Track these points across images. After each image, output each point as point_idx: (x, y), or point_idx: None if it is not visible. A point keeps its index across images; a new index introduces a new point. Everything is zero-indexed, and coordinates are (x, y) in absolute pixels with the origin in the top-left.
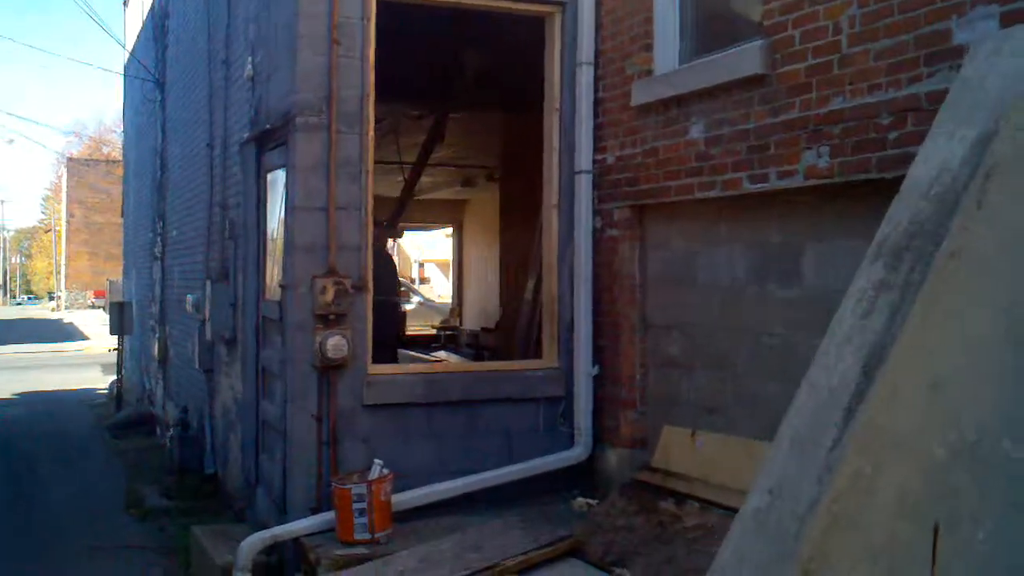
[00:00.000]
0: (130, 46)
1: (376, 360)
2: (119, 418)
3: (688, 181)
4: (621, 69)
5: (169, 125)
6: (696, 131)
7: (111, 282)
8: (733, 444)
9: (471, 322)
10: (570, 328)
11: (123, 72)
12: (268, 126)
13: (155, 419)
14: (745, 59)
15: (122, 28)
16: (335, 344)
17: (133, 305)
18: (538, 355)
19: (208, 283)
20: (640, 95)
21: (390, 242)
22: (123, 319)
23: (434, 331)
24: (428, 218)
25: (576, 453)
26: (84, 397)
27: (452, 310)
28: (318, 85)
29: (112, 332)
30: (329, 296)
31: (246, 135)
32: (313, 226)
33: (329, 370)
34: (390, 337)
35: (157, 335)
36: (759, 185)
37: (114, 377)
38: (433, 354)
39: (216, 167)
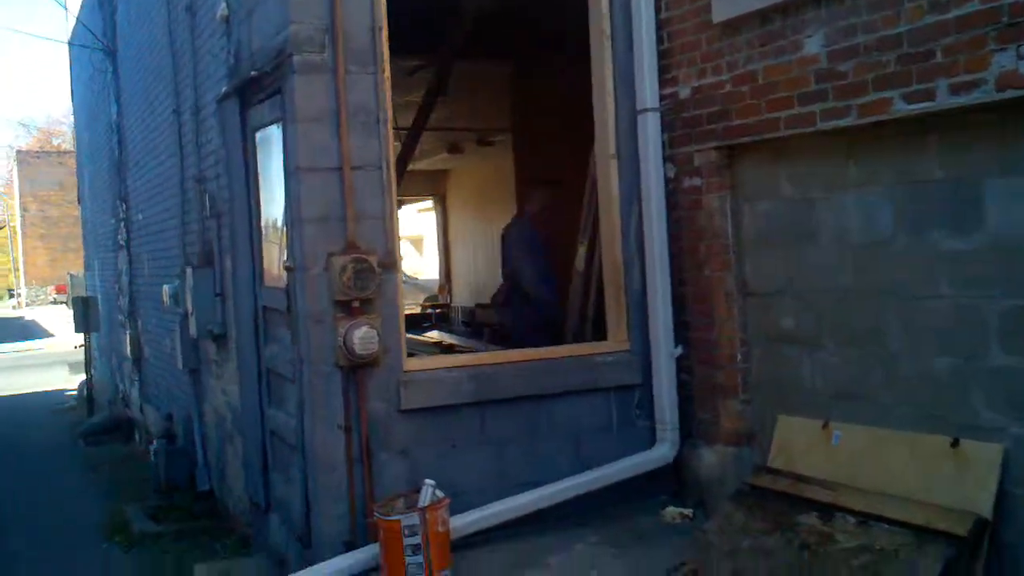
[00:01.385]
0: (74, 17)
1: None
2: (92, 424)
3: (805, 109)
4: None
5: (125, 96)
6: (814, 44)
7: (72, 276)
8: (888, 439)
9: (463, 299)
10: (641, 302)
11: (68, 43)
12: (253, 73)
13: (132, 423)
14: None
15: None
16: (364, 336)
17: (99, 299)
18: (597, 336)
19: (188, 270)
20: (725, 8)
21: None
22: (88, 315)
23: (420, 310)
24: (404, 192)
25: (661, 453)
26: (52, 401)
27: (440, 287)
28: (318, 14)
29: (77, 330)
30: (351, 277)
31: (223, 90)
32: (324, 191)
33: (356, 369)
34: None
35: (128, 331)
36: (920, 105)
37: (83, 377)
38: (426, 335)
39: (187, 135)
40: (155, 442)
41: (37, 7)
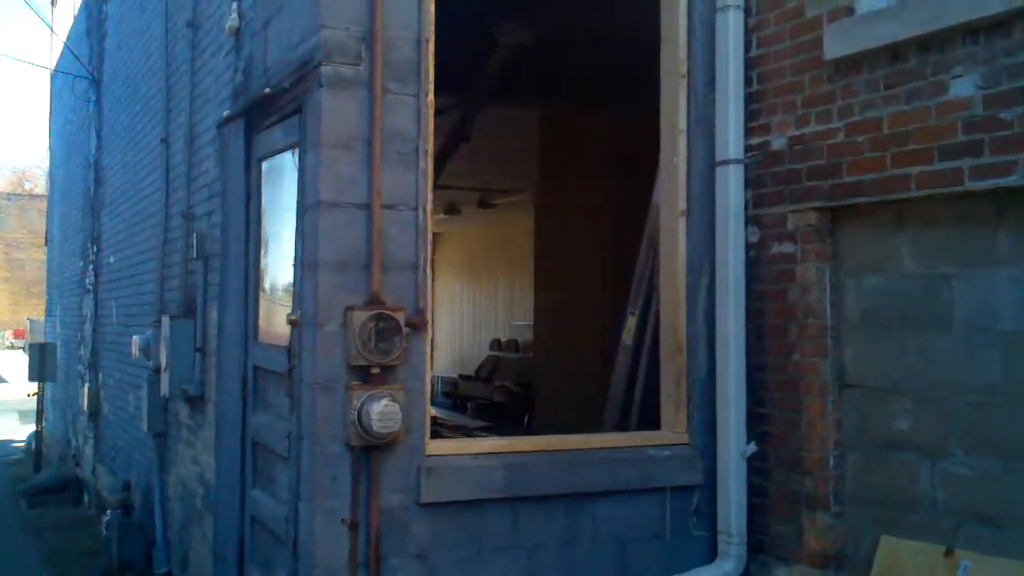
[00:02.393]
0: (60, 44)
1: None
2: (37, 481)
3: (948, 165)
4: (796, 11)
5: (106, 129)
6: (965, 86)
7: (31, 321)
8: None
9: (443, 368)
10: (706, 388)
11: (53, 69)
12: (267, 90)
13: (82, 484)
14: None
15: (48, 34)
16: (384, 412)
17: (57, 347)
18: (644, 424)
19: (165, 320)
20: (839, 44)
21: None
22: (44, 363)
23: None
24: None
25: (724, 570)
26: None
27: None
28: (354, 18)
29: (31, 378)
30: (372, 338)
31: (226, 113)
32: (347, 232)
33: (371, 450)
34: None
35: (88, 384)
36: None
37: (33, 428)
38: None
39: (176, 167)
40: (109, 512)
41: (22, 39)
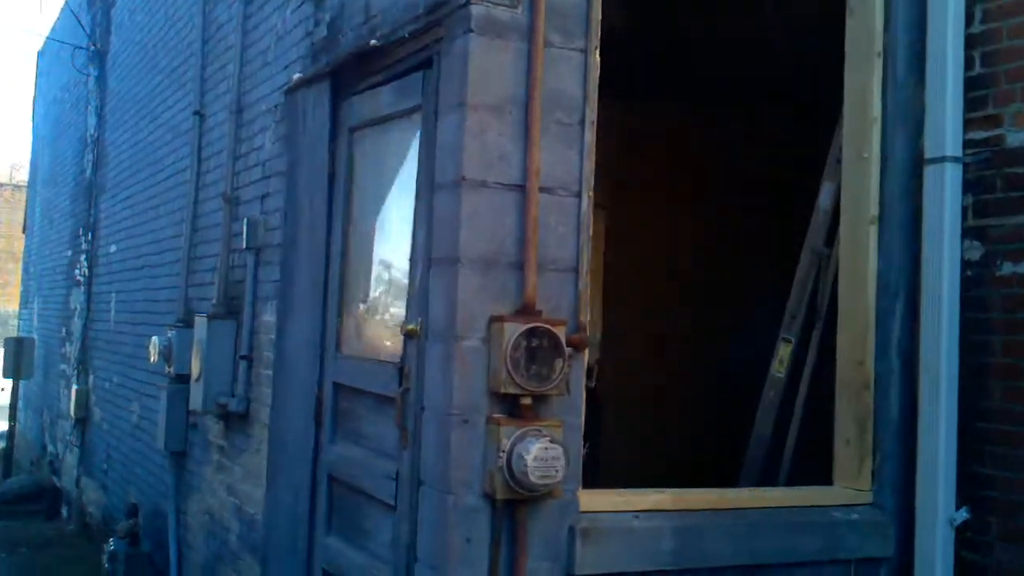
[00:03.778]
0: (48, 22)
1: None
2: (8, 488)
3: None
4: None
5: (111, 105)
6: None
7: None
8: None
9: None
10: (901, 435)
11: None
12: (373, 42)
13: (60, 495)
14: None
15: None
16: (544, 456)
17: (35, 342)
18: (803, 476)
19: (199, 321)
20: None
21: None
22: (20, 359)
23: None
24: None
25: None
26: None
27: None
28: None
29: (6, 375)
30: (526, 359)
31: (297, 76)
32: (494, 220)
33: (517, 506)
34: None
35: (75, 385)
36: None
37: (3, 428)
38: None
39: (212, 143)
40: (112, 542)
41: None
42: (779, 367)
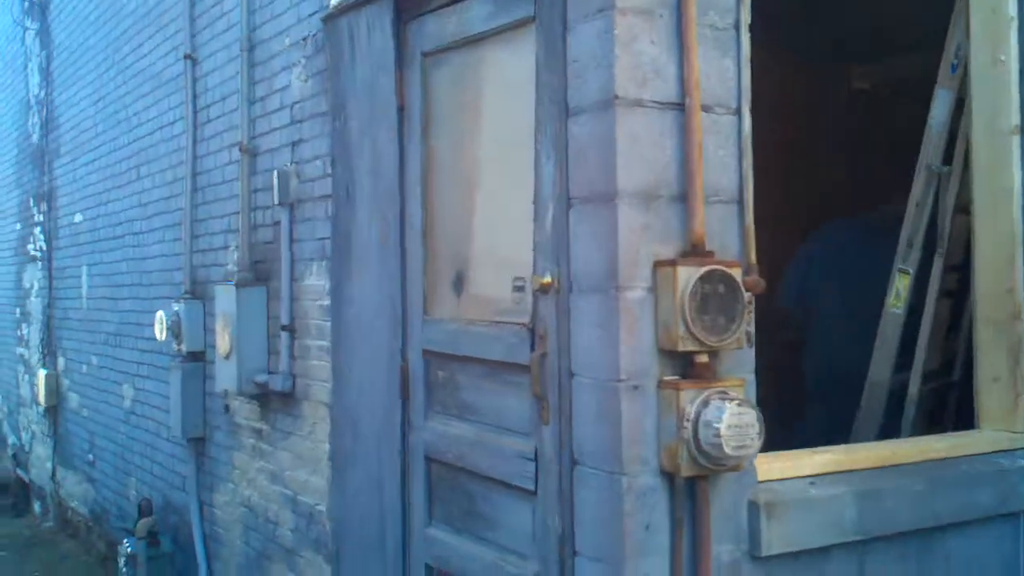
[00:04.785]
0: None
1: None
2: None
3: None
4: None
5: (59, 61)
6: None
7: None
8: None
9: None
10: None
11: None
12: None
13: (28, 489)
14: None
15: None
16: (736, 424)
17: None
18: (930, 422)
19: (225, 290)
20: None
21: None
22: None
23: None
24: None
25: None
26: None
27: None
28: None
29: None
30: (699, 307)
31: (336, 2)
32: (652, 144)
33: (696, 482)
34: None
35: (42, 370)
36: None
37: None
38: None
39: (212, 89)
40: (128, 542)
41: None
42: (895, 302)
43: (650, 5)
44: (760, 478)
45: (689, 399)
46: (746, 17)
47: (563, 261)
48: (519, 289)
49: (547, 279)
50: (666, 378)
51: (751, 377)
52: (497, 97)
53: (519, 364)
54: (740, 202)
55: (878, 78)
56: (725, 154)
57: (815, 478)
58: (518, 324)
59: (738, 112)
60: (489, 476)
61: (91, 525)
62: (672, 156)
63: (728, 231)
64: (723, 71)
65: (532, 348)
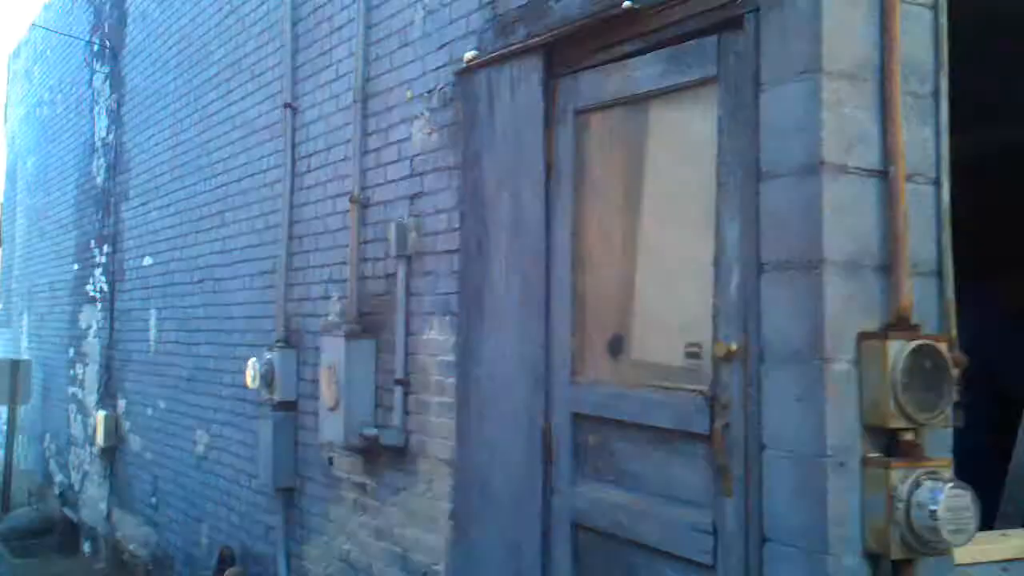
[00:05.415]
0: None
1: None
2: (15, 523)
3: None
4: None
5: (131, 106)
6: None
7: None
8: None
9: None
10: None
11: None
12: (627, 4)
13: (77, 529)
14: None
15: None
16: (953, 507)
17: (32, 364)
18: None
19: (333, 341)
20: None
21: None
22: (16, 383)
23: None
24: None
25: None
26: None
27: None
28: None
29: (2, 401)
30: (907, 382)
31: (472, 53)
32: (856, 212)
33: (901, 567)
34: None
35: (100, 411)
36: None
37: None
38: None
39: (315, 139)
40: None
41: None
42: None
43: (855, 69)
44: (958, 561)
45: (900, 478)
46: (945, 85)
47: (751, 328)
48: (693, 356)
49: (733, 346)
50: (872, 455)
51: (950, 455)
52: (664, 157)
53: (692, 432)
54: (940, 274)
55: None
56: (925, 225)
57: (1007, 563)
58: (692, 391)
59: (937, 182)
60: (656, 547)
61: (151, 569)
62: (874, 225)
63: (928, 304)
64: (923, 139)
65: (711, 417)
